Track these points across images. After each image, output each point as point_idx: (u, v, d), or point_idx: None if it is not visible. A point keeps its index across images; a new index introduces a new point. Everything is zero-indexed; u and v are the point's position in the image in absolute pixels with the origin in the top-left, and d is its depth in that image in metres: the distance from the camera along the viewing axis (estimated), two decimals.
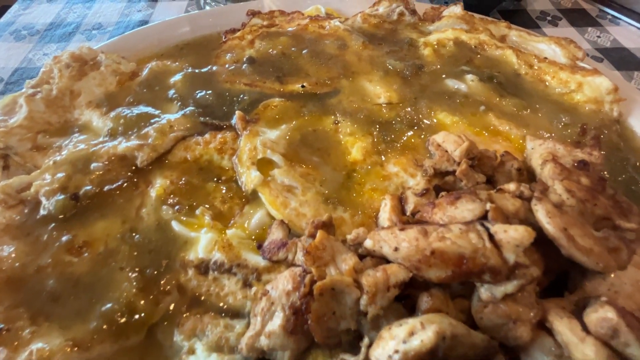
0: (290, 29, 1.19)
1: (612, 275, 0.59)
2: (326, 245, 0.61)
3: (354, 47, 1.12)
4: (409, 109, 0.95)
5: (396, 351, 0.49)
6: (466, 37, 1.13)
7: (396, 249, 0.57)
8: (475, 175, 0.78)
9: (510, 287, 0.52)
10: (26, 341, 0.59)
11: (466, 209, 0.63)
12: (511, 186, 0.70)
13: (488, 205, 0.63)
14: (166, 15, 1.56)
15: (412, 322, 0.51)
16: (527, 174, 0.83)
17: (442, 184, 0.82)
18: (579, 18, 1.58)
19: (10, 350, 0.58)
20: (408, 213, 0.74)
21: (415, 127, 0.91)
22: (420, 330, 0.49)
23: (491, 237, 0.53)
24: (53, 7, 1.60)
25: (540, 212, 0.59)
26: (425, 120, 0.93)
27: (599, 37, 1.49)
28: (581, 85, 0.99)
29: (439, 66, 1.06)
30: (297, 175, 0.81)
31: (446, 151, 0.83)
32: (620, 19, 1.58)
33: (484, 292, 0.55)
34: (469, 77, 1.02)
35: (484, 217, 0.62)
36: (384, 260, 0.62)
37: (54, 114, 0.96)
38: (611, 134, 0.92)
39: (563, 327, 0.51)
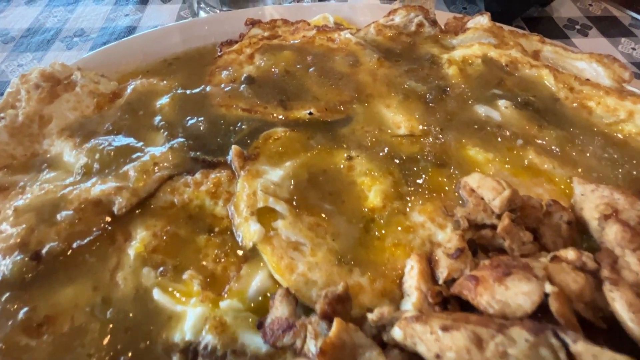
0: (294, 41, 1.05)
1: None
2: (345, 341, 0.48)
3: (368, 65, 0.99)
4: (435, 142, 0.82)
5: None
6: (495, 54, 0.99)
7: (438, 357, 0.44)
8: (520, 233, 0.65)
9: None
10: None
11: (520, 291, 0.50)
12: (570, 254, 0.57)
13: (548, 288, 0.50)
14: (156, 20, 1.41)
15: None
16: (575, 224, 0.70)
17: (477, 238, 0.69)
18: (610, 27, 1.44)
19: None
20: (441, 281, 0.61)
21: (443, 165, 0.78)
22: None
23: (570, 355, 0.40)
24: (31, 11, 1.45)
25: (620, 304, 0.46)
26: (453, 157, 0.79)
27: (634, 49, 1.35)
28: (632, 114, 0.86)
29: (466, 89, 0.92)
30: (304, 228, 0.68)
31: (482, 198, 0.70)
32: None
33: None
34: (502, 102, 0.88)
35: (545, 301, 0.50)
36: (416, 356, 0.49)
37: (20, 145, 0.82)
38: None
39: None
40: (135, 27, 1.39)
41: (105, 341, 0.57)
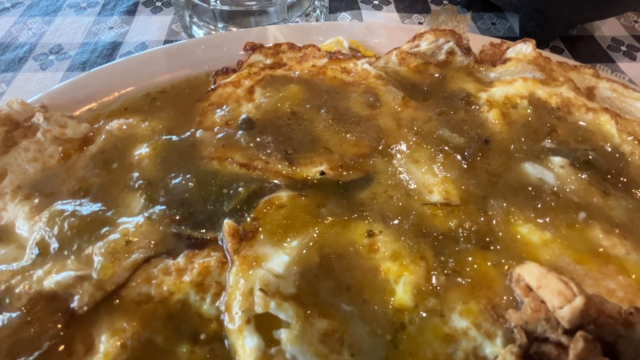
0: (302, 72, 0.89)
1: None
2: None
3: (391, 105, 0.82)
4: (477, 214, 0.66)
5: None
6: (544, 93, 0.83)
7: None
8: None
9: None
10: None
11: None
12: None
13: None
14: (144, 35, 1.24)
15: None
16: None
17: (535, 354, 0.54)
18: None
19: None
20: None
21: (488, 247, 0.62)
22: None
23: None
24: (3, 22, 1.28)
25: None
26: (501, 236, 0.64)
27: None
28: None
29: (511, 140, 0.76)
30: (315, 341, 0.53)
31: (542, 302, 0.55)
32: None
33: None
34: (557, 161, 0.72)
35: None
36: None
37: None
38: None
39: None
40: (120, 42, 1.22)
41: None
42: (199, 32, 1.18)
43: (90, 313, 0.56)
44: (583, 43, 1.28)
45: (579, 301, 0.52)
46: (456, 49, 0.92)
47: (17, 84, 1.09)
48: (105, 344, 0.53)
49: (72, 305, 0.56)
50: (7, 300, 0.55)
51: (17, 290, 0.56)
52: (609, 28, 1.34)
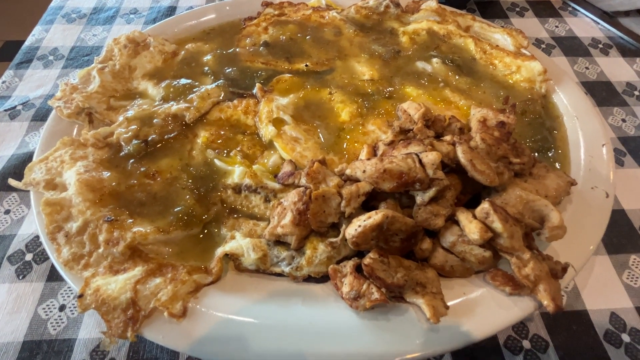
0: (296, 18, 1.48)
1: (505, 193, 0.92)
2: (320, 171, 0.94)
3: (347, 34, 1.41)
4: (386, 84, 1.26)
5: (359, 226, 0.83)
6: (437, 28, 1.41)
7: (364, 171, 0.90)
8: (427, 131, 1.09)
9: (431, 192, 0.85)
10: (129, 227, 0.94)
11: (413, 149, 0.96)
12: (447, 137, 1.02)
13: (428, 148, 0.95)
14: (191, 2, 1.83)
15: (370, 213, 0.85)
16: (467, 132, 1.15)
17: (404, 138, 1.14)
18: (543, 10, 1.84)
19: (122, 230, 0.92)
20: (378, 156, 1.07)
21: (390, 98, 1.22)
22: (374, 215, 0.83)
23: (420, 161, 0.86)
24: None
25: (459, 150, 0.92)
26: (397, 93, 1.24)
27: (557, 27, 1.76)
28: (520, 68, 1.29)
29: (412, 51, 1.35)
30: (301, 130, 1.13)
31: (409, 115, 1.15)
32: (579, 10, 1.83)
33: (419, 198, 0.89)
34: (435, 60, 1.32)
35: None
36: (357, 182, 0.95)
37: (119, 84, 1.27)
38: (536, 105, 1.23)
39: (462, 216, 0.85)
40: (175, 6, 1.81)
41: (190, 182, 1.03)
42: None
43: (194, 123, 1.16)
44: (491, 6, 1.85)
45: (422, 109, 1.12)
46: (390, 4, 1.50)
47: (113, 32, 1.68)
48: (203, 133, 1.14)
49: (185, 119, 1.16)
50: (154, 116, 1.16)
51: (158, 112, 1.16)
52: None
